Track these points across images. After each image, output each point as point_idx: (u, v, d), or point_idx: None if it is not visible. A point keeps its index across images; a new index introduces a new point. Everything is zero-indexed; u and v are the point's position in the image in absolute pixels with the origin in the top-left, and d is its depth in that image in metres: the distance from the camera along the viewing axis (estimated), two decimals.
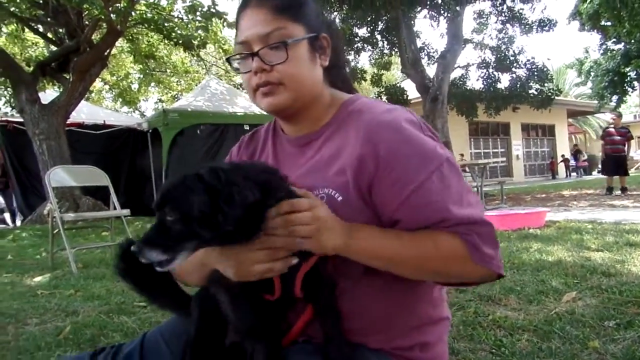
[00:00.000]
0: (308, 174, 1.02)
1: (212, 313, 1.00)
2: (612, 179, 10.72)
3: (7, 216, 12.10)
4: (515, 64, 14.98)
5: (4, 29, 11.16)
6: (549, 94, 15.15)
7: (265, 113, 1.09)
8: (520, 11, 14.42)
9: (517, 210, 6.77)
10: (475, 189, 8.68)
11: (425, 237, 0.92)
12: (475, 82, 16.00)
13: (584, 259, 3.46)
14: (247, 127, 10.14)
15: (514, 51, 15.04)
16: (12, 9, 9.36)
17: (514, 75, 15.18)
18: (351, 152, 0.96)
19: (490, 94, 15.27)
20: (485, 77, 15.38)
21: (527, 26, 14.42)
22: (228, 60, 1.10)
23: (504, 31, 15.16)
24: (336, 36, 1.12)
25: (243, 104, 11.35)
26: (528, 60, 15.00)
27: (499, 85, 15.41)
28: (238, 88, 14.34)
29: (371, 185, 0.95)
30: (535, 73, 14.89)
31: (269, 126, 1.22)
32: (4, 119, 10.10)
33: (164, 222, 0.82)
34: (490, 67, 15.28)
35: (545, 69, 15.12)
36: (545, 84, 15.16)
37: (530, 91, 15.08)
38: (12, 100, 9.45)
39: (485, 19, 15.80)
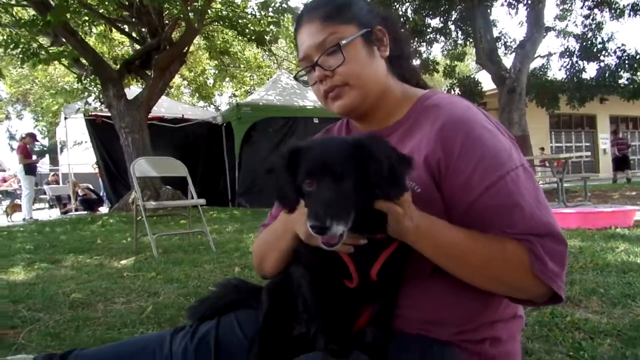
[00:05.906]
0: None
1: (280, 304, 1.04)
2: None
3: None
4: (603, 52, 13.98)
5: (94, 30, 11.99)
6: None
7: None
8: None
9: (601, 207, 6.29)
10: (555, 184, 8.19)
11: (493, 238, 0.90)
12: (557, 72, 15.18)
13: None
14: (316, 121, 10.24)
15: (602, 38, 14.05)
16: (101, 10, 10.09)
17: (601, 64, 14.16)
18: (427, 145, 0.97)
19: (574, 85, 14.36)
20: (568, 66, 14.46)
21: (617, 11, 13.37)
22: (296, 78, 1.16)
23: (591, 17, 14.17)
24: (394, 26, 1.13)
25: (313, 97, 11.45)
26: (618, 47, 13.94)
27: (584, 75, 14.44)
28: None
29: (444, 180, 0.95)
30: (627, 61, 13.79)
31: (342, 123, 1.24)
32: (93, 113, 10.93)
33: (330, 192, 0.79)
34: (575, 55, 14.35)
35: (638, 57, 13.94)
36: (638, 73, 13.98)
37: (620, 81, 14.02)
38: (100, 96, 10.17)
39: (569, 4, 14.86)
